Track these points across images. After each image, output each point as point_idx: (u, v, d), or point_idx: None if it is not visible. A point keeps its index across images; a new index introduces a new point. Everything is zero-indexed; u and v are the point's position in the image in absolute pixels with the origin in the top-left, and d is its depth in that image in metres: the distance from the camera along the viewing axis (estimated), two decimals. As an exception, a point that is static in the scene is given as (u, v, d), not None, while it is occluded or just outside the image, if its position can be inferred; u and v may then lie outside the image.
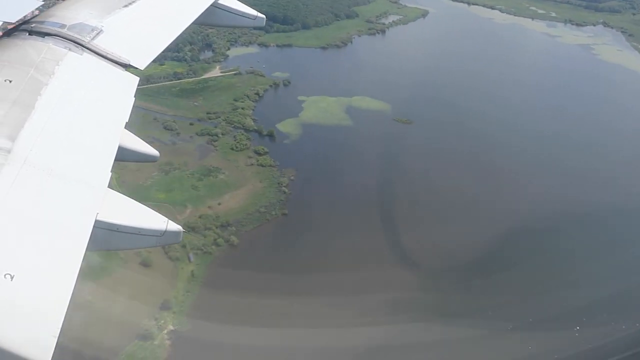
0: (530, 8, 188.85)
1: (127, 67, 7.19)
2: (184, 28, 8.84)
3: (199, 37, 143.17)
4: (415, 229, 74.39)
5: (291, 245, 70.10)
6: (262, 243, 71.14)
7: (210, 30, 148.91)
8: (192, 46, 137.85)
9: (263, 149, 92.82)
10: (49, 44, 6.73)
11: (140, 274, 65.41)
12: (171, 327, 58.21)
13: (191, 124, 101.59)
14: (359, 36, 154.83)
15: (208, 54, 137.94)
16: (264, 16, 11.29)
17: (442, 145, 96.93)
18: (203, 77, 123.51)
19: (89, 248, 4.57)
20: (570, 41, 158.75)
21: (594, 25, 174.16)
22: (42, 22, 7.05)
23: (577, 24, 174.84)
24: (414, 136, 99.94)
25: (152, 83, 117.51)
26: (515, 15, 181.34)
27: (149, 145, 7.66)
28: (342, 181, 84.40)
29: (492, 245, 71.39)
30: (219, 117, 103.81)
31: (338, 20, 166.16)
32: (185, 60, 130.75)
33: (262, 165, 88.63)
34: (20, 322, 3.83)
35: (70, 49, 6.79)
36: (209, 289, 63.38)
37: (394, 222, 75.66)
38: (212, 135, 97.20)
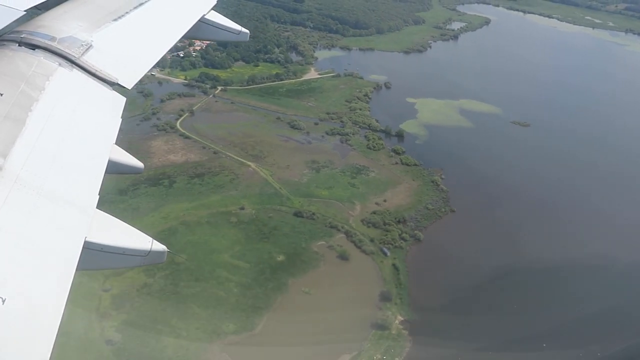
0: (586, 18, 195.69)
1: (114, 85, 7.08)
2: (172, 44, 8.87)
3: (283, 40, 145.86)
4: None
5: (476, 238, 72.54)
6: (445, 238, 73.30)
7: (288, 32, 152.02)
8: (280, 48, 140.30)
9: (401, 149, 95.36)
10: (39, 58, 6.62)
11: (343, 267, 67.22)
12: (400, 318, 59.95)
13: (316, 124, 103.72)
14: (434, 41, 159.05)
15: (295, 55, 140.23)
16: (247, 31, 11.72)
17: (565, 147, 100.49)
18: (303, 78, 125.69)
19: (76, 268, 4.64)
20: (638, 49, 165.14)
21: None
22: (31, 33, 6.88)
23: (638, 34, 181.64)
24: (537, 138, 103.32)
25: (256, 83, 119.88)
26: (574, 24, 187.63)
27: (134, 158, 7.69)
28: (491, 179, 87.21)
29: None
30: (340, 117, 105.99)
31: (407, 25, 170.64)
32: (278, 61, 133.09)
33: (407, 165, 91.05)
34: (12, 347, 3.80)
35: (60, 64, 6.71)
36: (417, 281, 65.36)
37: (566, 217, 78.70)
38: (343, 135, 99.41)
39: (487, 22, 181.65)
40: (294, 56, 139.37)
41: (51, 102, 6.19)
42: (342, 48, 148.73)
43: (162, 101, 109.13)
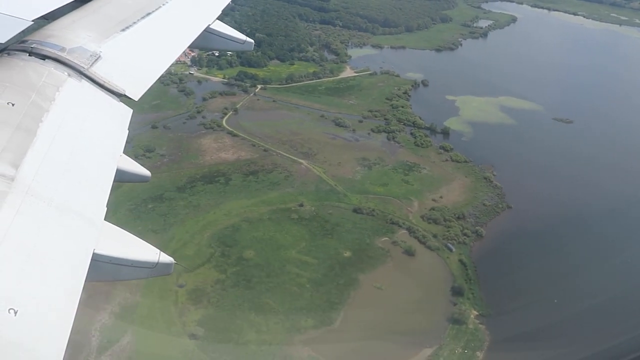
0: (612, 15, 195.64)
1: (122, 96, 7.17)
2: (178, 54, 9.08)
3: (315, 38, 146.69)
4: None
5: (539, 234, 73.05)
6: (507, 234, 73.82)
7: (317, 31, 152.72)
8: (314, 47, 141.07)
9: (449, 146, 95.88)
10: (49, 68, 6.73)
11: (410, 263, 67.86)
12: (475, 312, 60.51)
13: (360, 121, 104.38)
14: (464, 39, 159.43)
15: (328, 54, 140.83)
16: (252, 41, 11.97)
17: (611, 143, 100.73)
18: (340, 76, 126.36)
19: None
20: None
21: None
22: (41, 43, 7.00)
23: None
24: (582, 135, 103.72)
25: (295, 82, 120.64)
26: (601, 22, 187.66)
27: (142, 167, 7.89)
28: (542, 175, 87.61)
29: None
30: (384, 115, 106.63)
31: (435, 24, 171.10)
32: (313, 60, 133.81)
33: (457, 161, 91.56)
34: (25, 357, 3.89)
35: (69, 75, 6.81)
36: (486, 276, 65.90)
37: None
38: (389, 132, 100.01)
39: (513, 19, 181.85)
40: (327, 54, 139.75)
41: (61, 113, 6.22)
42: (373, 46, 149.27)
43: (204, 100, 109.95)
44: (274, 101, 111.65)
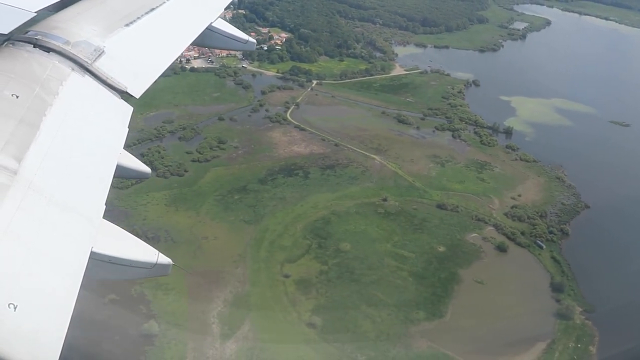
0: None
1: (123, 93, 7.22)
2: (180, 52, 9.11)
3: (360, 36, 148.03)
4: None
5: (625, 232, 74.78)
6: (593, 232, 75.51)
7: (358, 28, 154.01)
8: (361, 44, 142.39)
9: (515, 145, 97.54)
10: (54, 62, 6.73)
11: (504, 258, 69.34)
12: (579, 308, 62.02)
13: (422, 119, 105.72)
14: (504, 40, 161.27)
15: (373, 51, 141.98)
16: (254, 41, 12.08)
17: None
18: (392, 74, 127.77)
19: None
20: None
21: None
22: (46, 35, 7.00)
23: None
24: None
25: (349, 78, 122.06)
26: (634, 27, 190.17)
27: (142, 164, 8.05)
28: (613, 176, 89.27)
29: None
30: (444, 113, 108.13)
31: (472, 24, 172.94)
32: (362, 57, 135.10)
33: (526, 161, 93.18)
34: (24, 352, 3.96)
35: (73, 69, 6.83)
36: (582, 273, 67.42)
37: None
38: (453, 131, 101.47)
39: (548, 22, 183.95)
40: (373, 52, 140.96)
41: (64, 107, 6.21)
42: (417, 45, 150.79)
43: (263, 93, 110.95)
44: (332, 96, 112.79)
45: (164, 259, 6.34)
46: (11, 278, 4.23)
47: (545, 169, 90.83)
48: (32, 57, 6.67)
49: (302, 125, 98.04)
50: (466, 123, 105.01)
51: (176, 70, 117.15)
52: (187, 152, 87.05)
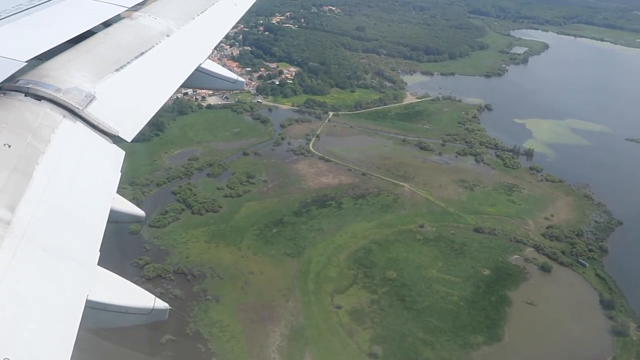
0: (636, 40, 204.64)
1: (115, 137, 7.28)
2: (170, 94, 9.15)
3: (368, 66, 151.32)
4: None
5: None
6: (631, 249, 76.51)
7: (363, 59, 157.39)
8: (369, 74, 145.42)
9: (539, 167, 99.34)
10: (45, 109, 6.80)
11: (549, 278, 70.01)
12: (634, 324, 62.50)
13: (442, 145, 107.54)
14: (507, 65, 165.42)
15: (381, 80, 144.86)
16: (243, 80, 12.12)
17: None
18: (404, 102, 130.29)
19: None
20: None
21: None
22: (37, 84, 7.14)
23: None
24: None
25: (363, 108, 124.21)
26: (629, 47, 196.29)
27: (136, 207, 8.12)
28: (638, 192, 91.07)
29: None
30: (463, 138, 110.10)
31: (473, 50, 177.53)
32: (373, 87, 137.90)
33: (552, 181, 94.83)
34: None
35: (64, 116, 6.88)
36: (628, 287, 68.18)
37: None
38: (474, 155, 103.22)
39: (546, 46, 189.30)
40: (380, 81, 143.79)
41: (56, 155, 6.26)
42: (423, 73, 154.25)
43: (282, 127, 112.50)
44: (350, 127, 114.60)
45: (161, 304, 6.22)
46: (6, 330, 4.16)
47: (572, 188, 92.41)
48: (24, 106, 6.75)
49: (326, 157, 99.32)
50: (486, 147, 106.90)
51: (193, 108, 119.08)
52: (218, 188, 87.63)
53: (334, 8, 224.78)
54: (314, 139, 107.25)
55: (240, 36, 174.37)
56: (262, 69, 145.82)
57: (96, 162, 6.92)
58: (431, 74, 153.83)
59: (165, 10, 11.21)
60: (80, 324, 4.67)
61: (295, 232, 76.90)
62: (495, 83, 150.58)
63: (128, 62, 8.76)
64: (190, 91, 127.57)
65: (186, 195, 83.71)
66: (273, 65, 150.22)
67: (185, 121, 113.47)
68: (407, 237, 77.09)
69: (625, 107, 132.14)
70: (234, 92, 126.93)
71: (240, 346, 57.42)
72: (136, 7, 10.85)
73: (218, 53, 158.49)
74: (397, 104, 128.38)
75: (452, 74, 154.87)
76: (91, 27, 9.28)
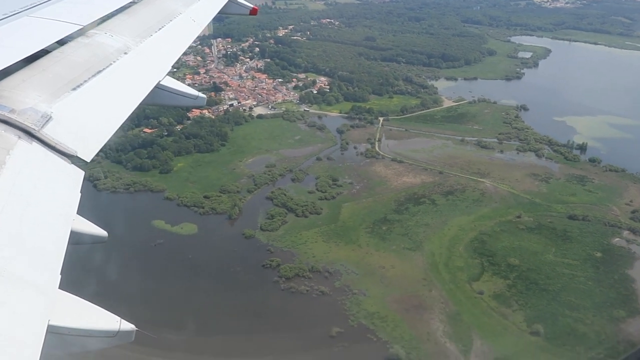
0: (627, 43, 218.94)
1: (73, 158, 7.04)
2: (130, 113, 8.96)
3: (398, 74, 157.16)
4: None
5: None
6: None
7: (385, 68, 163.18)
8: (400, 81, 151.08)
9: (598, 159, 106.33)
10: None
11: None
12: None
13: (500, 143, 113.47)
14: (521, 69, 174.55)
15: (407, 86, 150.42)
16: (205, 96, 12.26)
17: None
18: (445, 106, 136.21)
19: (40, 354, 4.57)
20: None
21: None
22: None
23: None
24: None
25: (409, 113, 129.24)
26: (623, 49, 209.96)
27: (97, 227, 8.04)
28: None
29: None
30: (516, 136, 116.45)
31: (484, 56, 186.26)
32: (409, 93, 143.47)
33: (615, 171, 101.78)
34: None
35: (20, 137, 6.66)
36: None
37: None
38: (534, 151, 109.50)
39: (548, 50, 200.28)
40: (407, 87, 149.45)
41: (12, 177, 6.12)
42: (447, 79, 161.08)
43: (340, 132, 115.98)
44: (405, 130, 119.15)
45: (127, 326, 6.16)
46: None
47: (637, 177, 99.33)
48: None
49: (397, 158, 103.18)
50: (541, 143, 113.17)
51: (246, 118, 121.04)
52: (309, 191, 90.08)
53: (332, 20, 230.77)
54: (376, 142, 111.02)
55: (257, 49, 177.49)
56: (294, 80, 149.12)
57: (54, 183, 6.75)
58: (455, 79, 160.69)
59: (122, 28, 11.04)
60: (45, 350, 4.58)
61: (404, 228, 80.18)
62: (517, 85, 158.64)
63: (85, 81, 8.61)
64: (235, 102, 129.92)
65: (284, 200, 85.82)
66: (301, 75, 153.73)
67: (244, 131, 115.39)
68: (510, 227, 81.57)
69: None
70: (277, 101, 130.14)
71: (407, 333, 60.10)
72: (92, 25, 10.63)
73: (242, 66, 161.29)
74: (439, 108, 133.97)
75: (475, 78, 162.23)
76: (46, 45, 8.99)
